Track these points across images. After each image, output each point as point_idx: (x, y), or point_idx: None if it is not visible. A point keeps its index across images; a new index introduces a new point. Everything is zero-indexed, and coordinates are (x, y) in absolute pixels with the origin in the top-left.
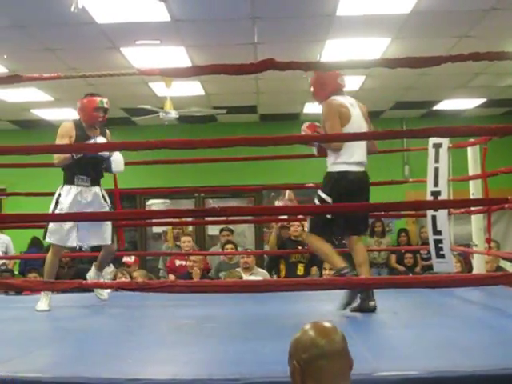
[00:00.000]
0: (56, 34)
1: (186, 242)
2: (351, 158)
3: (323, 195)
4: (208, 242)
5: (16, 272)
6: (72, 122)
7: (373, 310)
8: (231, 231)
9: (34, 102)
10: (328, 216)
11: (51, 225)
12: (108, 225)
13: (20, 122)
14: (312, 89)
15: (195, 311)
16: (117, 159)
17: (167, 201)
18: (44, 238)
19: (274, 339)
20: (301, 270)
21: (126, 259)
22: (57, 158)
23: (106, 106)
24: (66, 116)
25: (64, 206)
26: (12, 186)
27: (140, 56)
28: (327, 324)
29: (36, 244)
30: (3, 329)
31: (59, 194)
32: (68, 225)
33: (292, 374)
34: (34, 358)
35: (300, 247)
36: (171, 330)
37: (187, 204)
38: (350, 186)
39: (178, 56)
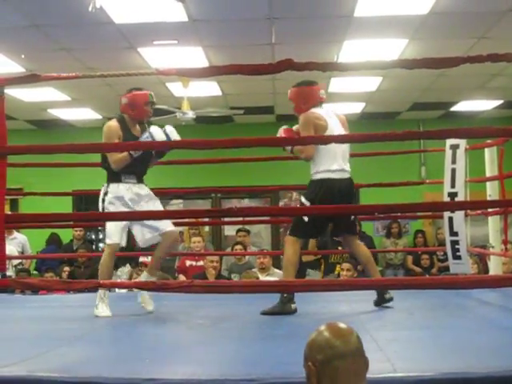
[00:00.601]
0: (74, 33)
1: (197, 243)
2: (332, 165)
3: (303, 200)
4: (224, 243)
5: (33, 271)
6: (116, 121)
7: (293, 312)
8: (248, 232)
9: (51, 102)
10: (305, 219)
11: (109, 226)
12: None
13: (37, 121)
14: (293, 103)
15: (211, 311)
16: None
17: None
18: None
19: (290, 340)
20: (339, 270)
21: (142, 259)
22: (114, 160)
23: (154, 99)
24: (83, 116)
25: (118, 203)
26: (28, 186)
27: (157, 56)
28: (342, 325)
29: (54, 241)
30: (20, 328)
31: (106, 193)
32: (123, 223)
33: (308, 375)
34: (51, 358)
35: (340, 248)
36: (187, 330)
37: (203, 204)
38: (331, 192)
39: (196, 56)
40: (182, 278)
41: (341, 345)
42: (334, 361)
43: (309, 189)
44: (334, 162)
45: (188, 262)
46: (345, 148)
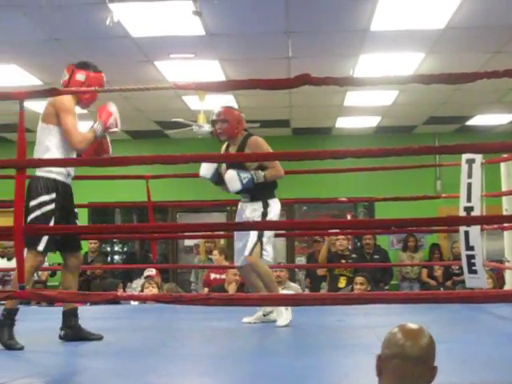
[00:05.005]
0: (91, 47)
1: (217, 256)
2: None
3: None
4: None
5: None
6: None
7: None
8: None
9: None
10: None
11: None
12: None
13: None
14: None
15: (227, 324)
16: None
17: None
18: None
19: (306, 353)
20: (342, 282)
21: (148, 273)
22: None
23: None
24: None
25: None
26: None
27: (174, 69)
28: (417, 327)
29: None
30: (38, 340)
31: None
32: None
33: (376, 363)
34: (71, 370)
35: (343, 261)
36: (203, 342)
37: (219, 217)
38: None
39: (212, 69)
40: (206, 291)
41: (407, 346)
42: (395, 359)
43: None
44: None
45: (212, 276)
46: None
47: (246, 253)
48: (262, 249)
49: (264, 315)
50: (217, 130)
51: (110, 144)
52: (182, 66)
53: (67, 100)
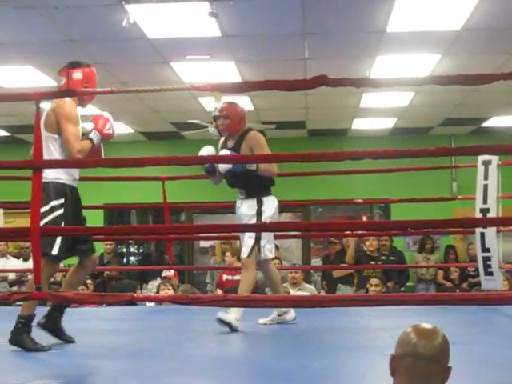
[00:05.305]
0: (107, 48)
1: (229, 257)
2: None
3: None
4: None
5: None
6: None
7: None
8: (276, 247)
9: (84, 116)
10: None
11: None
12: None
13: None
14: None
15: (243, 325)
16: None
17: None
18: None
19: (323, 354)
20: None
21: (166, 273)
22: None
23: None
24: (115, 130)
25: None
26: None
27: (190, 71)
28: (430, 327)
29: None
30: (49, 341)
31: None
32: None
33: (389, 362)
34: (85, 373)
35: (373, 262)
36: (219, 343)
37: (234, 219)
38: None
39: (228, 71)
40: (219, 292)
41: (419, 345)
42: (407, 357)
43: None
44: None
45: (225, 277)
46: None
47: (245, 255)
48: (260, 250)
49: (279, 315)
50: (219, 125)
51: (102, 149)
52: (197, 67)
53: (69, 106)
